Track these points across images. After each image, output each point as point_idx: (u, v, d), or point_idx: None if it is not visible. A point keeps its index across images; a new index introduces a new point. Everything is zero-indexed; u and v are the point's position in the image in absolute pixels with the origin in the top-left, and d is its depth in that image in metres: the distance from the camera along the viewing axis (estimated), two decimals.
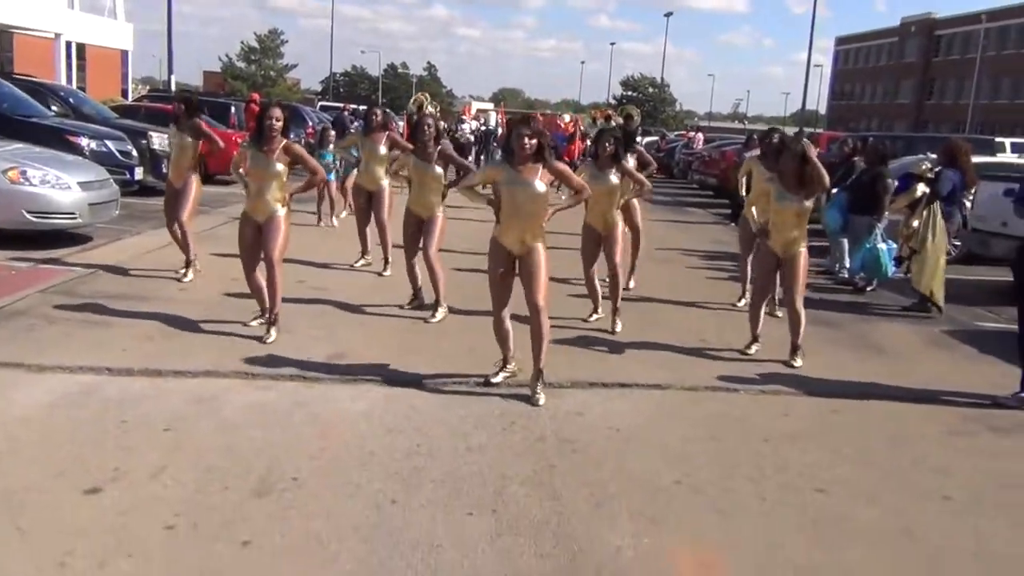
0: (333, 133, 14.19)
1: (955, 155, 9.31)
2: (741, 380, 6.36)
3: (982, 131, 53.04)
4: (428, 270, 7.57)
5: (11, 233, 9.22)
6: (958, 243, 12.52)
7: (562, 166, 5.66)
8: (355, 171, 13.78)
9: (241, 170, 6.67)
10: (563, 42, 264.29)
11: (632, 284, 9.28)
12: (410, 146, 8.92)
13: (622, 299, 7.77)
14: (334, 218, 13.19)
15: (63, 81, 28.23)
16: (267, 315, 6.62)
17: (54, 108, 14.76)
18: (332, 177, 13.20)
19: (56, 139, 11.86)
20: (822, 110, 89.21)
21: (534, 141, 5.43)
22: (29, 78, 16.69)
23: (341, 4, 66.56)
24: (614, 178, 7.53)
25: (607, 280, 7.81)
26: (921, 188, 9.30)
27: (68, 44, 32.45)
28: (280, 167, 6.52)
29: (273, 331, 6.53)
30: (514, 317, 5.88)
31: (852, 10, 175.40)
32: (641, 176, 8.02)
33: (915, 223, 9.14)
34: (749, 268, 8.69)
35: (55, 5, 31.70)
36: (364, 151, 9.53)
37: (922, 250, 9.07)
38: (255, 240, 6.61)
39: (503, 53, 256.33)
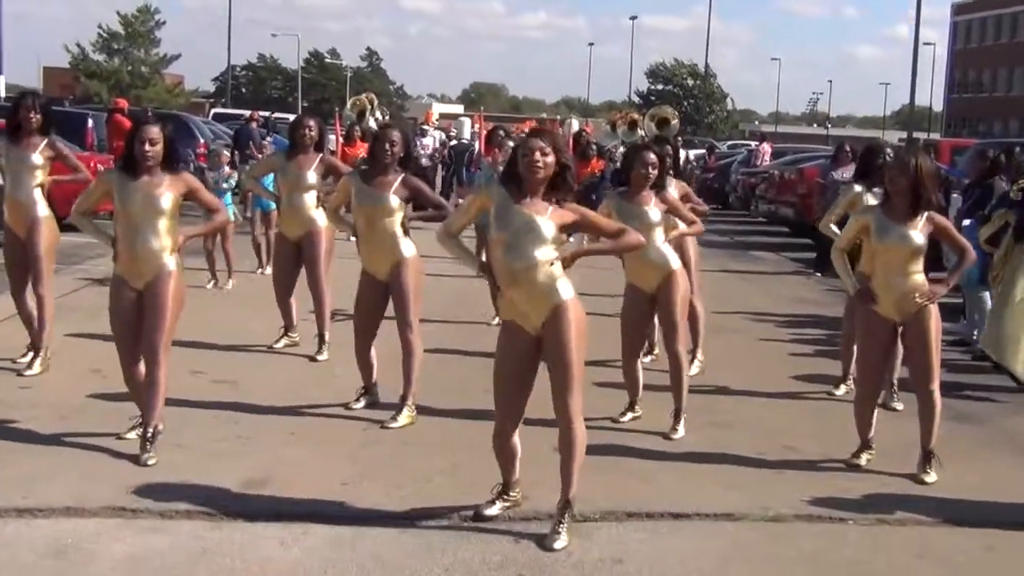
0: (226, 154, 14.27)
1: None
2: (849, 505, 6.33)
3: None
4: (404, 351, 7.60)
5: None
6: None
7: (603, 220, 5.76)
8: (273, 207, 13.97)
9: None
10: (558, 17, 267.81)
11: (696, 368, 9.26)
12: (348, 170, 8.97)
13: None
14: (231, 278, 13.24)
15: None
16: (145, 429, 6.60)
17: None
18: (231, 211, 13.28)
19: None
20: (937, 106, 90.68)
21: (550, 159, 5.48)
22: None
23: None
24: (654, 213, 7.60)
25: (647, 360, 7.83)
26: (1007, 216, 9.55)
27: None
28: (166, 204, 6.57)
29: (152, 451, 6.50)
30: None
31: None
32: (688, 212, 8.09)
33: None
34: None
35: None
36: (285, 182, 9.55)
37: (1002, 299, 9.30)
38: (136, 315, 6.63)
39: (474, 34, 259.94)
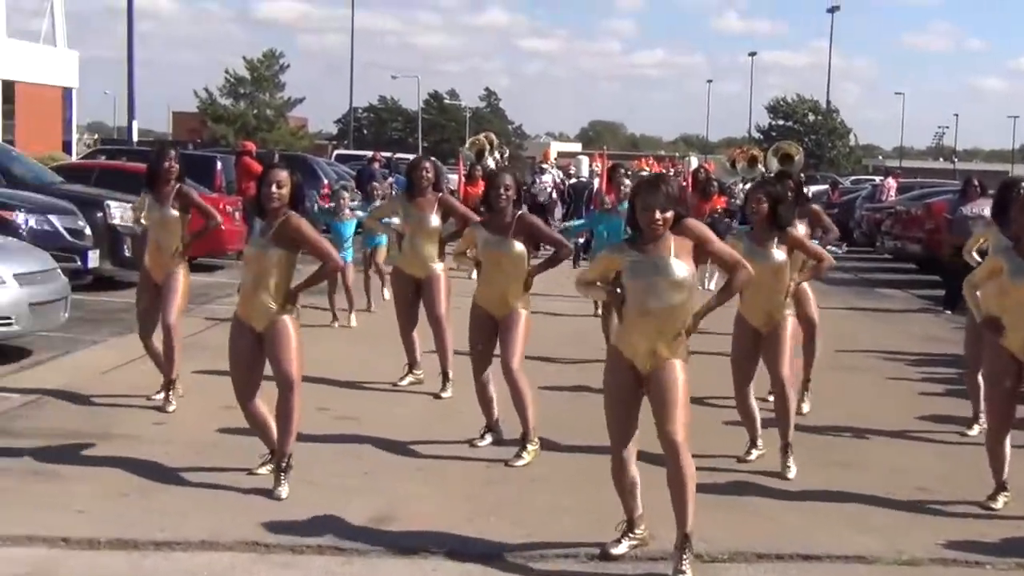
0: (347, 195, 14.51)
1: None
2: (986, 549, 6.20)
3: None
4: (511, 391, 7.64)
5: None
6: None
7: (718, 244, 5.76)
8: (382, 242, 14.25)
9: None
10: (675, 55, 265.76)
11: (807, 406, 9.17)
12: (472, 214, 9.12)
13: (795, 428, 7.71)
14: (353, 315, 13.46)
15: None
16: (277, 459, 6.76)
17: None
18: (348, 257, 13.47)
19: None
20: None
21: (669, 214, 5.53)
22: None
23: (357, 14, 69.87)
24: (779, 253, 7.56)
25: (770, 398, 7.76)
26: None
27: None
28: (279, 251, 6.72)
29: (284, 483, 6.65)
30: (642, 456, 5.86)
31: None
32: (818, 247, 8.02)
33: None
34: (981, 380, 8.54)
35: None
36: (409, 223, 9.71)
37: None
38: (254, 355, 6.80)
39: (590, 73, 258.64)
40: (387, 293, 14.37)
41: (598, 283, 5.99)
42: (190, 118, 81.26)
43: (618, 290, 5.75)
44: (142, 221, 8.92)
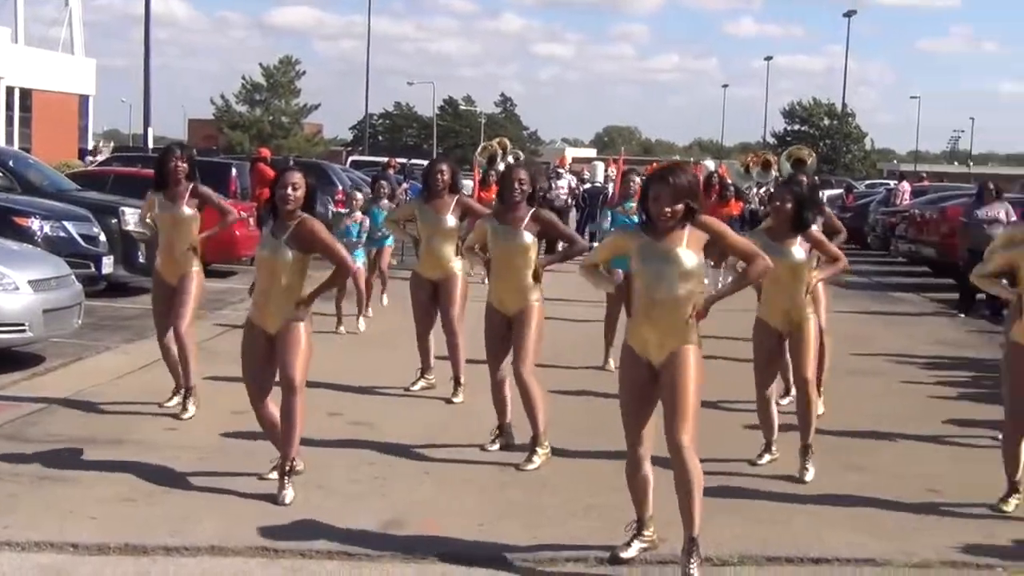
0: (360, 196, 14.52)
1: None
2: (998, 551, 6.18)
3: None
4: (521, 394, 7.64)
5: None
6: None
7: (735, 236, 5.77)
8: (388, 243, 14.30)
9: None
10: (690, 59, 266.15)
11: (821, 408, 9.15)
12: (484, 211, 9.10)
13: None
14: (361, 319, 13.48)
15: (1, 140, 29.77)
16: (281, 463, 6.76)
17: None
18: (360, 259, 13.45)
19: None
20: None
21: (679, 207, 5.50)
22: None
23: (373, 20, 70.58)
24: (799, 252, 7.53)
25: (784, 402, 7.74)
26: None
27: (9, 90, 34.30)
28: (292, 255, 6.73)
29: (289, 487, 6.65)
30: (655, 461, 5.85)
31: None
32: (836, 249, 8.00)
33: None
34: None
35: None
36: (424, 226, 9.70)
37: None
38: (266, 358, 6.82)
39: (604, 78, 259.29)
40: (385, 299, 14.39)
41: (603, 271, 6.00)
42: (206, 125, 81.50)
43: (624, 279, 5.75)
44: (148, 220, 8.94)
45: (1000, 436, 7.27)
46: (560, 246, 8.80)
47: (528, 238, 7.73)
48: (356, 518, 6.34)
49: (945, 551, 6.16)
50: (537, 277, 7.75)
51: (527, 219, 7.75)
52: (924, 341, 14.19)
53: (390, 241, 14.57)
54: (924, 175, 44.34)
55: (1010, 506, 6.90)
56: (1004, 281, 7.18)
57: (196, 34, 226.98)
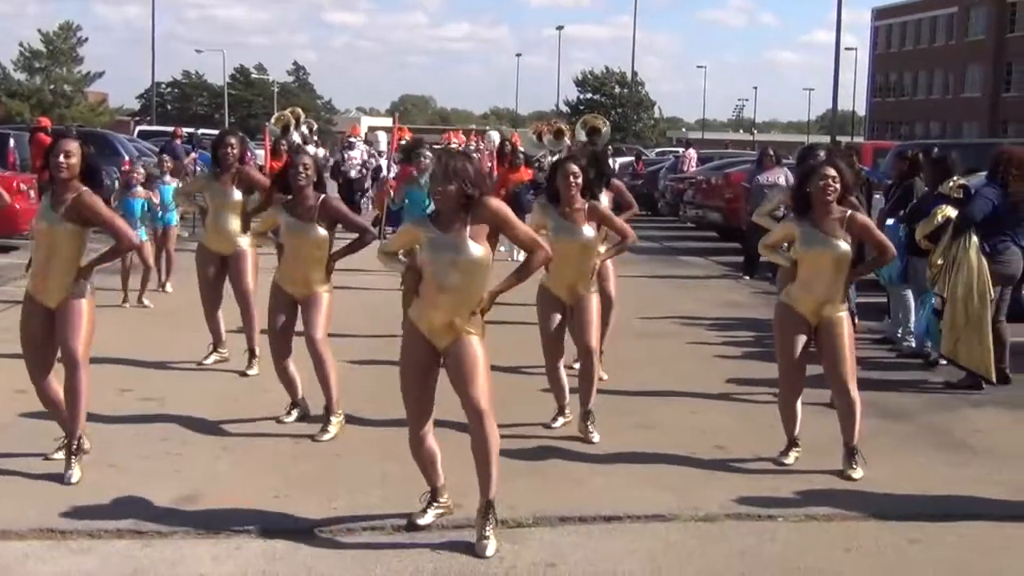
0: (142, 171, 14.03)
1: (996, 166, 9.70)
2: (778, 502, 6.43)
3: None
4: (314, 362, 7.60)
5: None
6: None
7: (519, 228, 5.84)
8: (173, 222, 13.96)
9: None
10: (482, 27, 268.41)
11: (604, 374, 9.34)
12: (267, 182, 8.99)
13: (598, 393, 7.87)
14: (145, 297, 13.10)
15: None
16: (67, 441, 6.57)
17: None
18: (143, 234, 13.02)
19: None
20: (860, 110, 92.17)
21: (452, 188, 5.53)
22: None
23: None
24: (589, 230, 7.67)
25: (576, 366, 7.88)
26: (944, 212, 9.74)
27: None
28: (70, 227, 6.53)
29: (76, 466, 6.46)
30: (448, 425, 5.89)
31: None
32: (623, 224, 8.16)
33: (939, 261, 9.53)
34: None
35: None
36: (212, 200, 9.52)
37: (950, 299, 9.46)
38: (46, 333, 6.62)
39: (398, 46, 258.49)
40: (170, 287, 13.92)
41: (400, 256, 6.03)
42: None
43: (413, 264, 5.77)
44: None
45: (778, 394, 7.58)
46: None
47: (322, 232, 7.65)
48: (149, 495, 6.20)
49: (729, 504, 6.37)
50: (329, 271, 7.75)
51: (318, 210, 7.65)
52: (711, 303, 14.64)
53: (174, 219, 14.15)
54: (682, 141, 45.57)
55: (790, 459, 7.20)
56: (785, 247, 7.48)
57: None
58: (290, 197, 7.72)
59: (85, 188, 6.52)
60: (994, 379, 9.28)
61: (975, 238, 9.36)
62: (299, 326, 7.76)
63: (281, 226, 7.76)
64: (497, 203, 5.74)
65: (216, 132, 15.12)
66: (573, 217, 7.65)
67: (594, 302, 7.81)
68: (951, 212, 9.68)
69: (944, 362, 10.04)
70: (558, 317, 7.79)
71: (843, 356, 7.00)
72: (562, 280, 7.72)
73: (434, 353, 5.72)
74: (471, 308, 5.64)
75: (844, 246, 6.95)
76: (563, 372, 7.97)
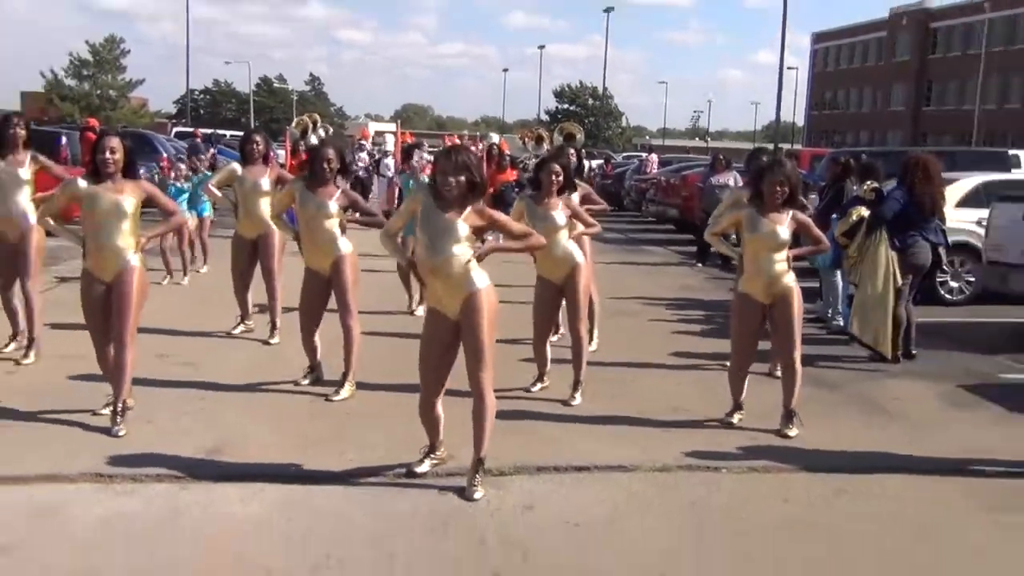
0: (183, 167, 14.01)
1: (905, 171, 9.77)
2: (724, 456, 6.50)
3: (991, 142, 55.45)
4: (345, 336, 7.61)
5: None
6: (969, 281, 12.99)
7: (513, 226, 5.85)
8: (207, 214, 13.90)
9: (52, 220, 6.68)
10: (473, 46, 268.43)
11: (595, 345, 9.38)
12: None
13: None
14: (185, 276, 13.09)
15: None
16: (114, 402, 6.57)
17: None
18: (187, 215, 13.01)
19: None
20: (800, 121, 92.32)
21: (462, 177, 5.53)
22: None
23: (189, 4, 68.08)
24: (560, 216, 7.69)
25: (554, 339, 7.92)
26: (859, 212, 9.86)
27: None
28: (128, 207, 6.53)
29: (122, 423, 6.47)
30: (450, 393, 5.91)
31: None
32: (590, 218, 8.18)
33: (854, 254, 9.78)
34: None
35: None
36: (242, 190, 9.49)
37: (860, 286, 9.63)
38: (105, 304, 6.60)
39: (400, 61, 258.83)
40: (205, 268, 13.86)
41: (399, 241, 6.02)
42: (38, 97, 76.82)
43: (411, 256, 5.77)
44: None
45: (728, 364, 7.62)
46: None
47: (334, 207, 7.59)
48: (184, 447, 6.22)
49: (682, 457, 6.43)
50: (343, 228, 7.65)
51: (337, 194, 7.62)
52: (669, 287, 14.69)
53: (207, 209, 14.10)
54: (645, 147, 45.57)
55: (735, 419, 7.27)
56: (734, 237, 7.52)
57: (21, 14, 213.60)
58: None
59: (142, 180, 6.60)
60: (889, 356, 9.42)
61: (885, 234, 9.51)
62: (332, 303, 7.71)
63: (297, 202, 7.68)
64: (494, 214, 5.74)
65: (232, 133, 15.06)
66: (549, 206, 7.68)
67: (581, 282, 7.74)
68: (864, 212, 9.85)
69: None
70: (548, 298, 7.83)
71: (793, 329, 7.06)
72: (544, 263, 7.74)
73: (453, 330, 5.68)
74: (460, 275, 5.55)
75: (785, 233, 7.01)
76: (548, 348, 8.02)
